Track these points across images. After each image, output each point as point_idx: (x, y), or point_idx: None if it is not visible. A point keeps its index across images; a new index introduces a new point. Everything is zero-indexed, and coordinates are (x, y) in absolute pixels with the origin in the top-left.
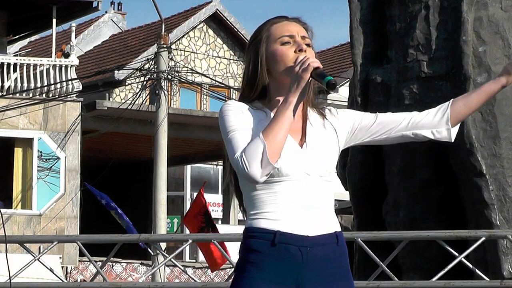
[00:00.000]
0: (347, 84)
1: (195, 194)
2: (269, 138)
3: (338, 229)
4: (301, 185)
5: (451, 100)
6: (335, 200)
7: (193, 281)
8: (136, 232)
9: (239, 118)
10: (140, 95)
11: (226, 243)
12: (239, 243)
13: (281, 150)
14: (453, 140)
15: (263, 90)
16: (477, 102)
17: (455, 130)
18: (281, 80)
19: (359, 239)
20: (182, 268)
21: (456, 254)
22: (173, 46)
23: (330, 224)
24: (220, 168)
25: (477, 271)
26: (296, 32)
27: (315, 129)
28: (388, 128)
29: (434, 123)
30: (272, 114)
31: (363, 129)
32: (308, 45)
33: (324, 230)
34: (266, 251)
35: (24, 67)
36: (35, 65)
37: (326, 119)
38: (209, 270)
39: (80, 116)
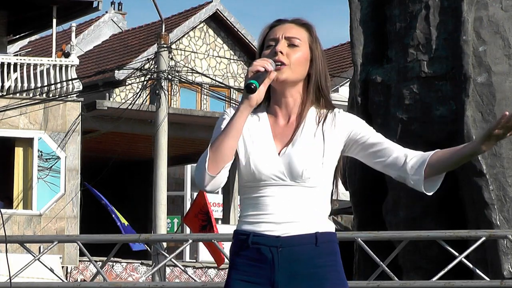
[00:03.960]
0: (347, 84)
1: (195, 194)
2: (212, 148)
3: (322, 230)
4: (276, 190)
5: (434, 152)
6: (336, 200)
7: (193, 281)
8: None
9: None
10: (140, 95)
11: (224, 243)
12: None
13: (224, 160)
14: (424, 191)
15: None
16: (451, 161)
17: (428, 183)
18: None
19: (359, 239)
20: (182, 268)
21: (456, 254)
22: (173, 46)
23: (308, 225)
24: None
25: (477, 271)
26: (281, 34)
27: (303, 137)
28: (377, 156)
29: (409, 169)
30: (267, 117)
31: (359, 145)
32: (293, 45)
33: (300, 231)
34: (242, 252)
35: (24, 67)
36: (35, 65)
37: (322, 125)
38: (209, 270)
39: (80, 116)
